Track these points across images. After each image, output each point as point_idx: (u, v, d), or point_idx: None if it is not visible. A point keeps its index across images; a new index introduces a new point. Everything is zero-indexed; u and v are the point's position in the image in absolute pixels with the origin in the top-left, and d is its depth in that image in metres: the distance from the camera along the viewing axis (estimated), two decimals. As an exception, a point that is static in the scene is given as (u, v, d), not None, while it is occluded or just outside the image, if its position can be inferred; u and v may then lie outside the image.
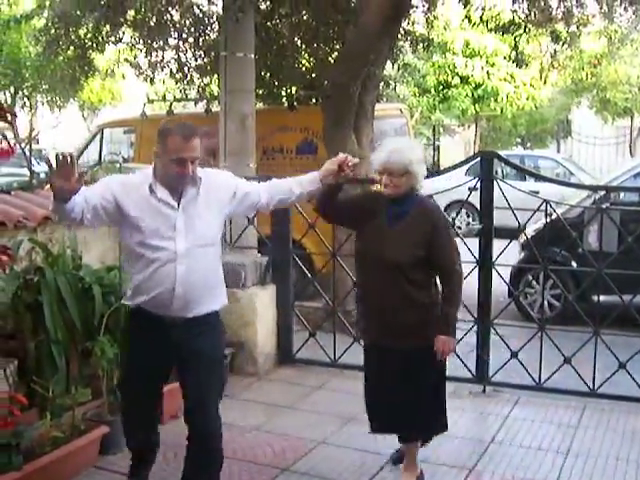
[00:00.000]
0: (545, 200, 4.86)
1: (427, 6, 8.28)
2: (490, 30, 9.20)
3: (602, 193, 6.58)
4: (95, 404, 4.06)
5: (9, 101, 15.99)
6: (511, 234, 5.40)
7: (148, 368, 3.20)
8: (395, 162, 3.45)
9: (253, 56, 6.17)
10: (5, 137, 3.62)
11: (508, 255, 5.33)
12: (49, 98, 17.36)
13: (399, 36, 7.57)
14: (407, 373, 3.51)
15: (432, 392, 3.59)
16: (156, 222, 3.03)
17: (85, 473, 2.58)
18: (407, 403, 3.52)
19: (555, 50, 9.08)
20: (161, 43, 8.25)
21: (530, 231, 6.43)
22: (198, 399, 3.13)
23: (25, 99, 17.57)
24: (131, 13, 7.93)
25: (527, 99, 18.09)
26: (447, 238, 3.53)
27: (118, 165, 5.27)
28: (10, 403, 3.45)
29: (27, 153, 15.67)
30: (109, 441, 3.91)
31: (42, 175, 16.00)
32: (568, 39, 8.46)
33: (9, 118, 3.63)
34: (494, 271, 4.98)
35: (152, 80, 8.58)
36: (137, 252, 3.07)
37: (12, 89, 16.45)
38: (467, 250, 4.96)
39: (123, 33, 8.61)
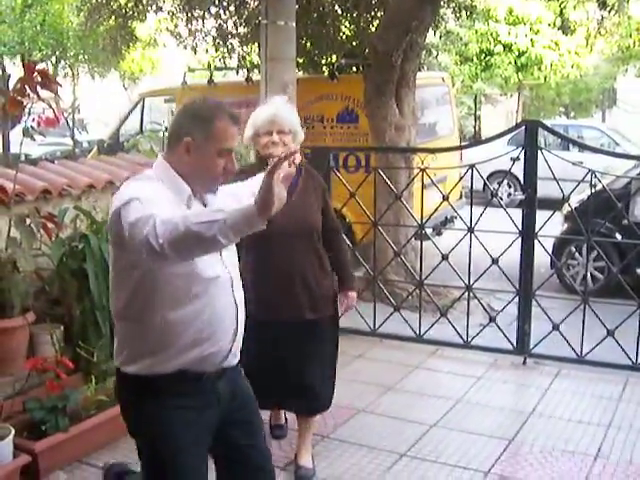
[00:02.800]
0: (590, 170, 4.76)
1: (471, -28, 8.12)
2: (535, -4, 8.99)
3: (650, 163, 6.43)
4: (138, 369, 4.14)
5: (51, 71, 16.18)
6: (553, 205, 5.31)
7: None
8: (285, 118, 3.25)
9: (294, 24, 6.12)
10: (51, 106, 3.66)
11: (551, 226, 5.25)
12: (91, 68, 17.55)
13: (441, 3, 7.43)
14: (310, 345, 3.34)
15: (329, 361, 3.46)
16: None
17: (128, 436, 2.65)
18: (309, 375, 3.36)
19: (602, 16, 8.84)
20: (201, 12, 8.24)
21: (574, 202, 6.31)
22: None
23: (67, 69, 17.77)
24: (172, -19, 7.94)
25: (572, 67, 17.64)
26: (330, 200, 3.55)
27: (160, 134, 5.29)
28: (57, 367, 3.56)
29: (70, 123, 15.88)
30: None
31: (85, 144, 16.26)
32: (616, 5, 8.20)
33: (54, 88, 3.68)
34: (536, 242, 4.91)
35: (195, 50, 8.58)
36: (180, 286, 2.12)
37: (54, 59, 16.65)
38: (510, 221, 4.92)
39: (164, 2, 8.62)
